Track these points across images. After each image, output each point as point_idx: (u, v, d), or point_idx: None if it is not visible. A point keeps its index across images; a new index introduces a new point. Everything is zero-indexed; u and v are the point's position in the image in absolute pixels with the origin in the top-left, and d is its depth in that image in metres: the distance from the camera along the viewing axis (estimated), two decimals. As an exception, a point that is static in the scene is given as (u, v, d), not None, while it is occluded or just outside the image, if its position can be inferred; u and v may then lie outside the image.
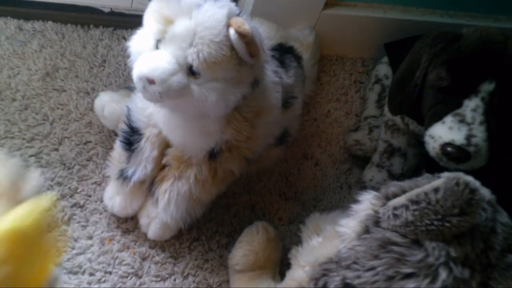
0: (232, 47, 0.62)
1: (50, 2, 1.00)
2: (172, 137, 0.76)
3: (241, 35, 0.60)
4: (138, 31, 0.68)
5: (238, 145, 0.74)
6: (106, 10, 1.02)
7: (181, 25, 0.61)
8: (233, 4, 0.65)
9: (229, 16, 0.62)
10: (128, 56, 1.00)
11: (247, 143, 0.74)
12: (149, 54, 0.63)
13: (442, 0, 1.00)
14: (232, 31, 0.61)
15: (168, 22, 0.62)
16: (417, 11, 1.01)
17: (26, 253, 0.45)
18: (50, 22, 1.01)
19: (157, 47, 0.64)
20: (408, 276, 0.53)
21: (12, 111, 0.91)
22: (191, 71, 0.62)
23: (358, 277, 0.56)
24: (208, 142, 0.73)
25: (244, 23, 0.61)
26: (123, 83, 0.98)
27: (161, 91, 0.61)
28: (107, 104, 0.89)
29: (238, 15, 0.64)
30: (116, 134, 0.92)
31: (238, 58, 0.63)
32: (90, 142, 0.91)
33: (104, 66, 0.99)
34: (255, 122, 0.73)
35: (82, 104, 0.94)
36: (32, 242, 0.45)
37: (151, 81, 0.61)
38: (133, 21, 1.03)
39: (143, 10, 1.04)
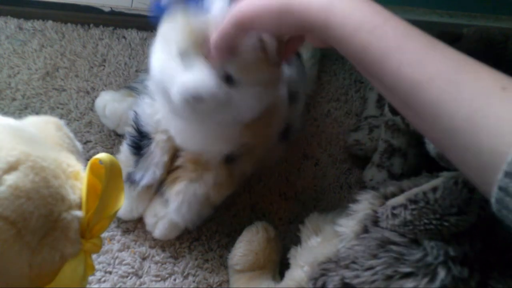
0: (263, 48, 0.61)
1: (50, 1, 1.00)
2: (187, 146, 0.75)
3: None
4: (156, 48, 0.65)
5: (255, 146, 0.74)
6: (106, 9, 1.02)
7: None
8: None
9: None
10: (129, 55, 1.00)
11: (262, 144, 0.74)
12: (186, 74, 0.60)
13: (442, 0, 1.00)
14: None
15: (200, 37, 0.60)
16: (417, 11, 1.01)
17: (115, 183, 0.49)
18: (50, 21, 1.02)
19: (182, 59, 0.61)
20: (407, 275, 0.53)
21: (12, 111, 0.91)
22: (228, 81, 0.61)
23: (357, 276, 0.56)
24: (228, 147, 0.73)
25: None
26: (123, 82, 0.98)
27: (212, 106, 0.60)
28: (109, 103, 0.88)
29: None
30: (116, 134, 0.92)
31: (270, 62, 0.62)
32: (90, 141, 0.91)
33: (104, 66, 0.99)
34: (270, 121, 0.73)
35: (82, 104, 0.94)
36: (118, 175, 0.49)
37: (200, 100, 0.59)
38: (133, 20, 1.04)
39: (143, 10, 1.05)
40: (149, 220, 0.83)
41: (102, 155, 0.46)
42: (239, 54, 0.59)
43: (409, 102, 0.44)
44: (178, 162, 0.77)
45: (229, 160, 0.74)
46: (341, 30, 0.47)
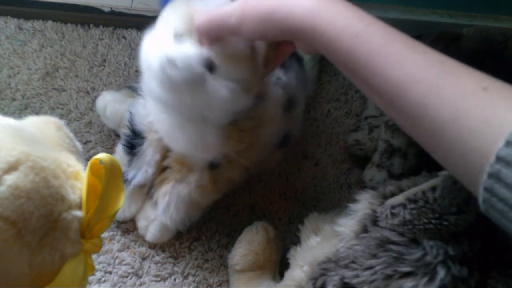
0: (253, 49, 0.62)
1: (50, 1, 1.00)
2: (173, 147, 0.75)
3: None
4: (151, 32, 0.66)
5: (238, 157, 0.74)
6: (106, 9, 1.02)
7: None
8: None
9: None
10: (129, 55, 1.00)
11: (246, 154, 0.74)
12: (172, 43, 0.61)
13: (442, 0, 1.00)
14: None
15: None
16: (417, 11, 1.01)
17: (115, 183, 0.49)
18: (50, 22, 1.02)
19: (176, 39, 0.62)
20: (406, 275, 0.53)
21: (12, 111, 0.91)
22: (208, 67, 0.61)
23: (356, 276, 0.56)
24: (206, 155, 0.73)
25: None
26: (123, 82, 0.98)
27: (184, 75, 0.59)
28: (110, 104, 0.89)
29: None
30: (116, 134, 0.92)
31: (254, 64, 0.63)
32: (90, 141, 0.91)
33: (104, 66, 0.99)
34: (255, 133, 0.73)
35: (82, 104, 0.94)
36: (118, 176, 0.49)
37: (174, 64, 0.59)
38: (133, 20, 1.04)
39: (143, 10, 1.05)
40: (140, 223, 0.83)
41: (102, 155, 0.46)
42: (228, 41, 0.60)
43: (394, 103, 0.45)
44: (166, 162, 0.78)
45: (212, 166, 0.74)
46: (327, 35, 0.49)
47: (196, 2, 0.62)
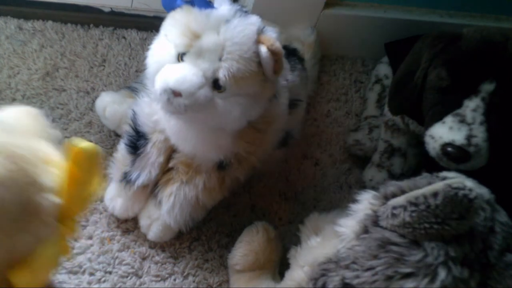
0: (259, 64, 0.61)
1: (50, 1, 1.00)
2: (182, 147, 0.75)
3: (273, 53, 0.61)
4: (156, 40, 0.66)
5: (248, 156, 0.74)
6: (106, 9, 1.02)
7: (209, 40, 0.61)
8: (259, 20, 0.65)
9: (258, 33, 0.62)
10: (129, 56, 1.00)
11: (256, 153, 0.74)
12: (174, 66, 0.62)
13: (442, 0, 1.00)
14: (264, 49, 0.61)
15: (195, 36, 0.61)
16: (417, 11, 1.01)
17: (93, 169, 0.51)
18: (50, 22, 1.01)
19: (178, 59, 0.63)
20: (407, 275, 0.53)
21: (12, 111, 0.91)
22: (215, 85, 0.61)
23: (357, 277, 0.56)
24: (218, 155, 0.73)
25: (276, 41, 0.62)
26: (123, 82, 0.98)
27: (188, 104, 0.60)
28: (109, 105, 0.88)
29: (262, 30, 0.64)
30: (116, 134, 0.92)
31: (263, 74, 0.63)
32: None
33: (104, 66, 0.99)
34: (265, 132, 0.73)
35: (82, 104, 0.94)
36: (96, 161, 0.51)
37: (177, 94, 0.60)
38: (133, 20, 1.04)
39: (143, 10, 1.05)
40: (143, 222, 0.83)
41: (80, 142, 0.47)
42: (233, 63, 0.60)
43: None
44: (171, 163, 0.78)
45: (221, 167, 0.74)
46: None
47: (195, 11, 0.62)
